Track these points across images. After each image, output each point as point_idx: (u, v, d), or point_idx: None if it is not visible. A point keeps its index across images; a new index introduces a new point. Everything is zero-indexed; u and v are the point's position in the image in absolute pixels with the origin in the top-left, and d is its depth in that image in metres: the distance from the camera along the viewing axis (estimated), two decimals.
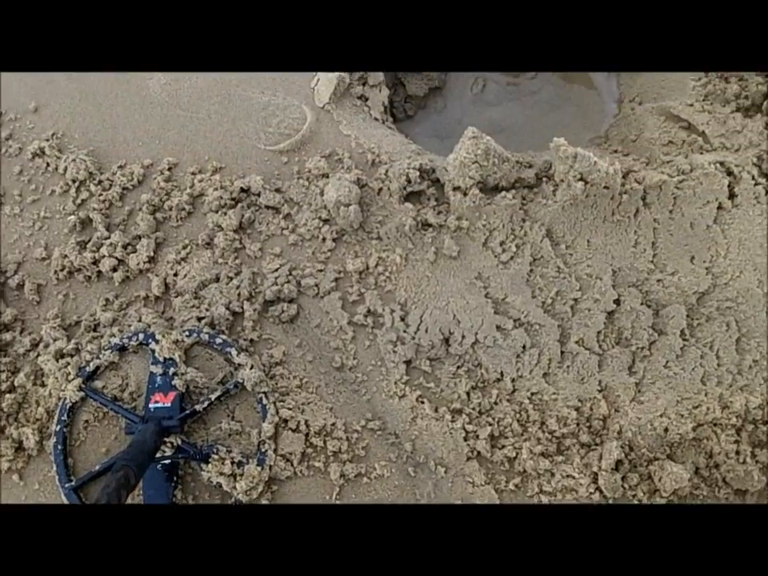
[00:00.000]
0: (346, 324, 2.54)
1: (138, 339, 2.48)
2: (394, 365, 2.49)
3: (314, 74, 2.92)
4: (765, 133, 2.68)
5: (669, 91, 2.95)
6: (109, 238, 2.69)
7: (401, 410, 2.44)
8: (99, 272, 2.67)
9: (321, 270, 2.61)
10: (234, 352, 2.43)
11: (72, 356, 2.52)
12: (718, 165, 2.59)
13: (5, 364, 2.57)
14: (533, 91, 3.30)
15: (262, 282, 2.60)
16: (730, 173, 2.59)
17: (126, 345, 2.49)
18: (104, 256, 2.65)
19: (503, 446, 2.40)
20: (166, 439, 2.33)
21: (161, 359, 2.42)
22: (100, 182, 2.81)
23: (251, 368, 2.39)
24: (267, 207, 2.70)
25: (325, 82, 2.83)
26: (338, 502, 2.34)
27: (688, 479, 2.29)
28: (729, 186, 2.56)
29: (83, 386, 2.45)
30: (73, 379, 2.45)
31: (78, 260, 2.65)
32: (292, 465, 2.36)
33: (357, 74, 2.89)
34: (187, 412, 2.35)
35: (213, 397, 2.38)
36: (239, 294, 2.55)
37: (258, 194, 2.69)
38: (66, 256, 2.69)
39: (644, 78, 3.10)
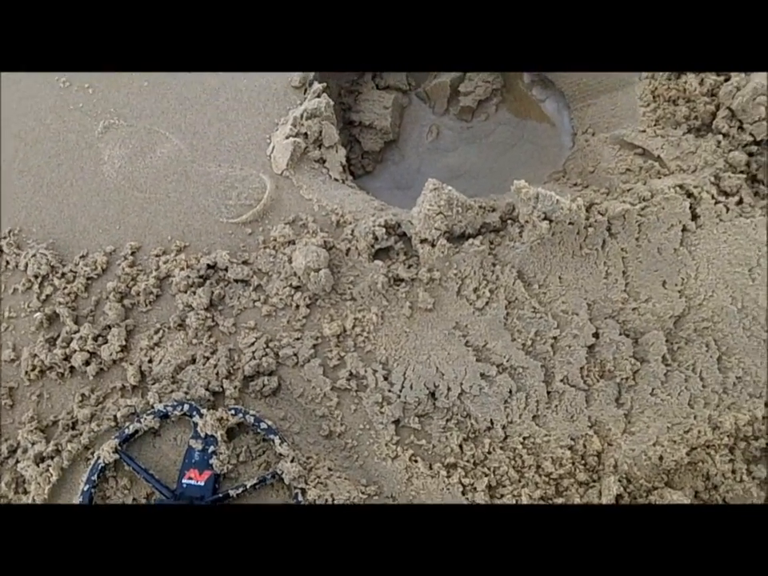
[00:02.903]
0: (329, 390, 2.64)
1: (182, 409, 2.54)
2: (382, 426, 2.60)
3: (269, 141, 3.07)
4: (718, 151, 2.87)
5: (620, 119, 3.15)
6: (78, 331, 2.77)
7: (395, 472, 2.54)
8: (72, 367, 2.74)
9: (298, 339, 2.72)
10: (277, 440, 2.49)
11: (52, 458, 2.58)
12: (677, 188, 2.76)
13: None
14: (487, 133, 3.49)
15: (240, 357, 2.69)
16: (689, 194, 2.76)
17: (169, 413, 2.55)
18: (75, 350, 2.72)
19: (502, 495, 2.49)
20: None
21: (202, 435, 2.48)
22: (63, 274, 2.90)
23: (292, 461, 2.45)
24: (236, 281, 2.81)
25: (280, 149, 2.97)
26: None
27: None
28: (690, 207, 2.73)
29: (119, 447, 2.50)
30: (110, 440, 2.51)
31: (49, 358, 2.72)
32: None
33: (312, 138, 3.03)
34: (220, 495, 2.41)
35: (248, 484, 2.43)
36: (218, 373, 2.64)
37: (226, 269, 2.81)
38: (35, 355, 2.76)
39: (594, 108, 3.29)
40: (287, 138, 2.97)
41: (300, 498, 2.42)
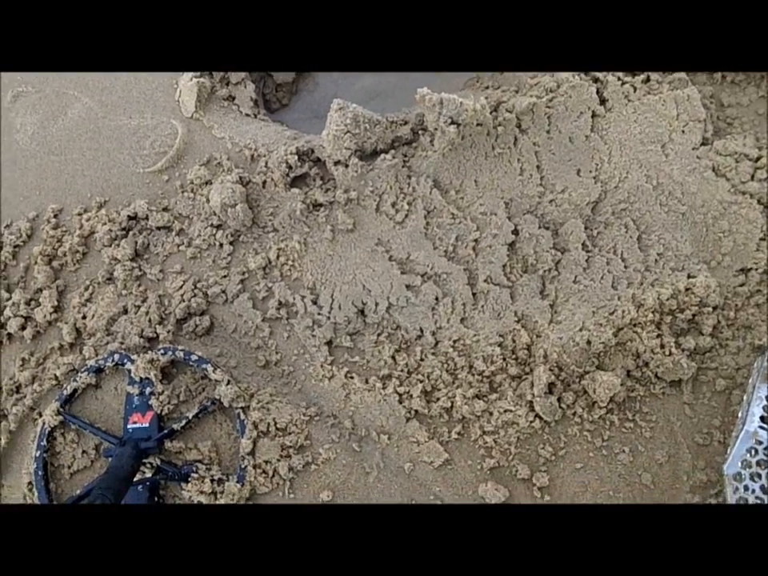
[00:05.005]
0: (260, 322, 2.74)
1: (113, 360, 2.66)
2: (316, 349, 2.69)
3: (176, 86, 3.11)
4: None
5: None
6: (10, 298, 2.87)
7: (333, 391, 2.64)
8: (9, 334, 2.86)
9: (225, 276, 2.81)
10: (209, 368, 2.60)
11: None
12: (582, 75, 2.80)
13: None
14: None
15: (170, 302, 2.78)
16: (596, 79, 2.80)
17: (102, 366, 2.67)
18: (9, 317, 2.83)
19: (438, 399, 2.59)
20: (146, 460, 2.52)
21: (137, 379, 2.60)
22: None
23: (227, 384, 2.57)
24: (158, 228, 2.89)
25: (187, 92, 3.02)
26: (291, 497, 2.52)
27: (620, 384, 2.48)
28: (597, 92, 2.77)
29: (61, 409, 2.63)
30: (52, 403, 2.64)
31: None
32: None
33: (218, 76, 3.08)
34: (165, 432, 2.54)
35: (190, 415, 2.56)
36: (150, 320, 2.74)
37: (147, 218, 2.88)
38: None
39: None
40: (191, 79, 3.02)
41: (243, 416, 2.54)
